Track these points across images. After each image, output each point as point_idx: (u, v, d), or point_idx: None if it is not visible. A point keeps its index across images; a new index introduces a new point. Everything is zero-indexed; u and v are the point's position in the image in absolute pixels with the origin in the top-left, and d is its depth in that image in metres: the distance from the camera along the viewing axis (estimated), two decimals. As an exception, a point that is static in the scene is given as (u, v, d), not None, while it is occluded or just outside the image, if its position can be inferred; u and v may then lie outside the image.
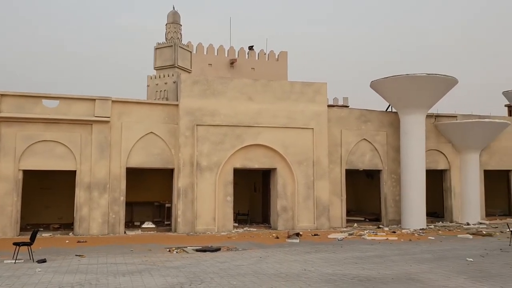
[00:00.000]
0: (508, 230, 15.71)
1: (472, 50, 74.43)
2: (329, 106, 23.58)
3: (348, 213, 23.46)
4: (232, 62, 33.05)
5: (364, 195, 28.27)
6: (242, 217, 22.71)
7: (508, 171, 25.10)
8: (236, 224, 21.16)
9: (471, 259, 12.41)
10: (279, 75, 32.88)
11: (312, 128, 20.78)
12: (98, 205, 18.48)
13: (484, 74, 68.98)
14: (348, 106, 30.15)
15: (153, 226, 20.36)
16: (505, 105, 28.35)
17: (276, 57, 34.90)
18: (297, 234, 17.39)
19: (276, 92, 20.63)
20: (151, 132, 19.33)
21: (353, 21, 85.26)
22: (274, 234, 18.27)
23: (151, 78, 23.01)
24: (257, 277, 10.05)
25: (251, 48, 33.98)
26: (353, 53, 78.30)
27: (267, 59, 34.24)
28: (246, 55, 33.96)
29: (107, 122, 18.80)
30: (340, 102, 31.24)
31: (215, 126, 19.69)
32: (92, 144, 18.60)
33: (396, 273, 10.63)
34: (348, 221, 22.14)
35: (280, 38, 71.01)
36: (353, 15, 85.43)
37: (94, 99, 18.74)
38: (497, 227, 20.59)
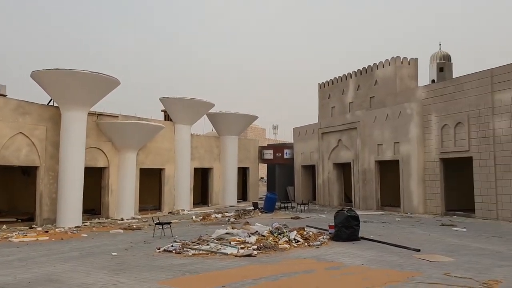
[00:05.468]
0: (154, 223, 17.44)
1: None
2: (-20, 93, 20.63)
3: (-1, 214, 21.07)
4: None
5: (20, 193, 26.10)
6: None
7: (160, 169, 28.00)
8: None
9: (116, 253, 13.12)
10: None
11: (-47, 116, 17.67)
12: None
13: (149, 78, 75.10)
14: (6, 95, 27.06)
15: None
16: (162, 110, 31.40)
17: None
18: None
19: None
20: None
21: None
22: None
23: None
24: None
25: None
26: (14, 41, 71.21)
27: None
28: None
29: None
30: (-3, 90, 27.66)
31: None
32: None
33: (36, 275, 10.15)
34: (-4, 223, 19.89)
35: None
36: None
37: None
38: (147, 221, 22.60)
